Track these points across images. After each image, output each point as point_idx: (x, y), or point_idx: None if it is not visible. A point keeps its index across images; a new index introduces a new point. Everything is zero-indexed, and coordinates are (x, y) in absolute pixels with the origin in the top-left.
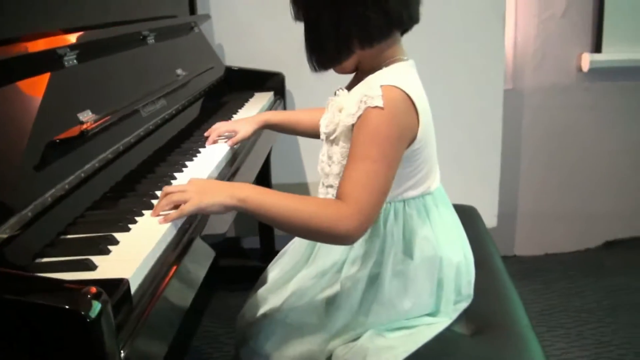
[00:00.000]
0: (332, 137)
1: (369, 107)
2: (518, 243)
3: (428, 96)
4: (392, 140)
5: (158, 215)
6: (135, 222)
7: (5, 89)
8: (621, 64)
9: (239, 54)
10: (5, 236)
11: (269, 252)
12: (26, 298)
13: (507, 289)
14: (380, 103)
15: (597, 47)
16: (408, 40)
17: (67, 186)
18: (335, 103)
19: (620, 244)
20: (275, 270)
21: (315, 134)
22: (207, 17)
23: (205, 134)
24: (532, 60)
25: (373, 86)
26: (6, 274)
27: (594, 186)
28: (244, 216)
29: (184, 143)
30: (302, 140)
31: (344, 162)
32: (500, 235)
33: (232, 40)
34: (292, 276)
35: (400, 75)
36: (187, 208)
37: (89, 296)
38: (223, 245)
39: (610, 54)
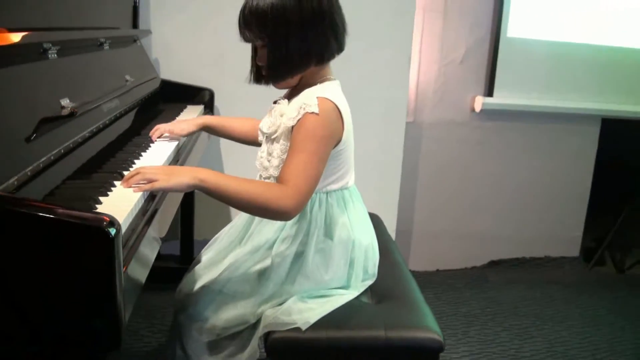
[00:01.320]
0: (273, 137)
1: (307, 112)
2: (412, 259)
3: None
4: (324, 139)
5: (129, 186)
6: (111, 190)
7: (4, 70)
8: (509, 107)
9: (172, 69)
10: (16, 184)
11: (188, 257)
12: (63, 218)
13: (404, 272)
14: (316, 110)
15: (489, 92)
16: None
17: (52, 157)
18: (277, 109)
19: (504, 263)
20: (210, 251)
21: (243, 139)
22: (149, 32)
23: (150, 133)
24: (432, 98)
25: (311, 97)
26: (40, 204)
27: (481, 211)
28: None
29: (135, 138)
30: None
31: (283, 156)
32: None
33: (167, 55)
34: (228, 254)
35: (332, 90)
36: (157, 185)
37: (108, 220)
38: None
39: (500, 98)
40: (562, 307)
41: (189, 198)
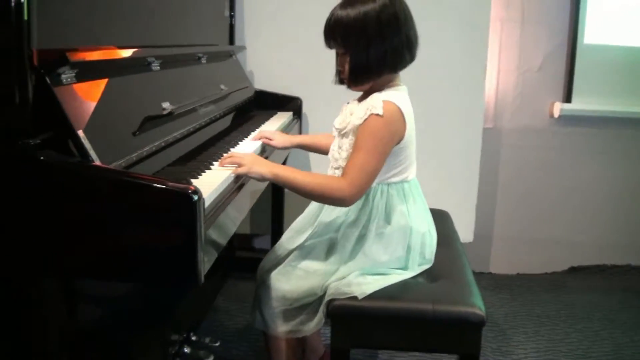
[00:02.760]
0: (343, 132)
1: (372, 113)
2: (493, 262)
3: (418, 125)
4: (385, 139)
5: (222, 166)
6: (201, 175)
7: (118, 79)
8: (588, 113)
9: (265, 80)
10: (123, 165)
11: None
12: (155, 184)
13: (461, 259)
14: (381, 112)
15: (567, 98)
16: (409, 79)
17: (154, 148)
18: (348, 109)
19: (584, 269)
20: (287, 234)
21: (326, 152)
22: (243, 48)
23: (253, 136)
24: (511, 105)
25: (377, 100)
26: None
27: (561, 216)
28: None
29: (227, 136)
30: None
31: (351, 150)
32: (477, 254)
33: (260, 67)
34: (301, 235)
35: (397, 95)
36: (240, 170)
37: (193, 189)
38: (239, 240)
39: (579, 104)
40: (637, 314)
41: (278, 196)
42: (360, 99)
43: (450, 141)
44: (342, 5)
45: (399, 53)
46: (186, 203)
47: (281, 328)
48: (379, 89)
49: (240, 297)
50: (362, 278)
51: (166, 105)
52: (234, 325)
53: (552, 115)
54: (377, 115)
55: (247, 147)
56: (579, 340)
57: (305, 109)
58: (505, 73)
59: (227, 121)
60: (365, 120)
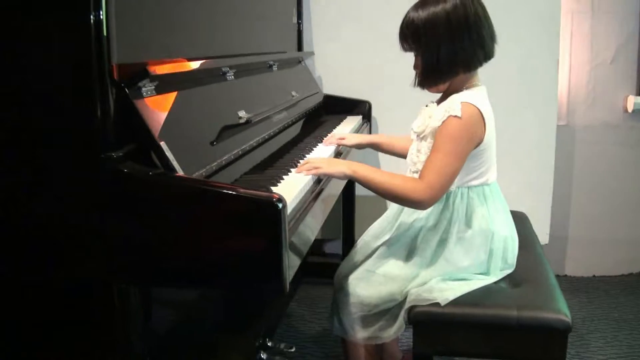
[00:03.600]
0: (421, 135)
1: (451, 115)
2: (568, 264)
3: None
4: (464, 141)
5: (300, 172)
6: (280, 182)
7: (194, 90)
8: None
9: (333, 84)
10: (204, 174)
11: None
12: (241, 193)
13: (542, 263)
14: (459, 114)
15: None
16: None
17: (232, 157)
18: (427, 111)
19: None
20: (364, 239)
21: (400, 155)
22: (311, 53)
23: (326, 140)
24: (584, 101)
25: (455, 102)
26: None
27: (638, 215)
28: (329, 221)
29: (301, 142)
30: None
31: (429, 153)
32: (552, 256)
33: (328, 72)
34: (379, 240)
35: (476, 96)
36: (320, 170)
37: (277, 197)
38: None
39: None
40: None
41: (349, 200)
42: (439, 101)
43: (524, 140)
44: (415, 7)
45: (471, 52)
46: (272, 211)
47: (360, 334)
48: (457, 89)
49: (314, 303)
50: (443, 284)
51: (242, 113)
52: (308, 330)
53: (626, 110)
54: (456, 117)
55: (321, 152)
56: None
57: (374, 112)
58: (577, 67)
59: (299, 127)
60: (443, 122)
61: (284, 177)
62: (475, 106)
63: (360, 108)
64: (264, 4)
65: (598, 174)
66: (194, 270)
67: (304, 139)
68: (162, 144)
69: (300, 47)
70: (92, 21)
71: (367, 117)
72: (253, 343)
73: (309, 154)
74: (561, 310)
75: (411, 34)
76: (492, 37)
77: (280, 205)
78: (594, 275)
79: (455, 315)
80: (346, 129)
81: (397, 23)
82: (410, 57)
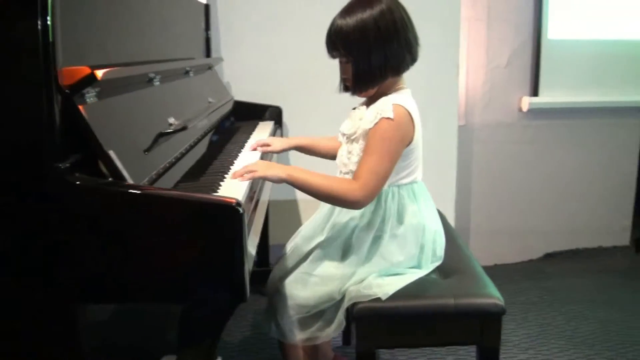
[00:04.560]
0: (352, 137)
1: (383, 117)
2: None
3: None
4: (396, 141)
5: (235, 178)
6: (219, 189)
7: (128, 96)
8: (554, 105)
9: (241, 90)
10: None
11: (264, 260)
12: (203, 199)
13: (466, 253)
14: (391, 115)
15: (534, 92)
16: None
17: (167, 164)
18: (356, 114)
19: (559, 255)
20: (295, 242)
21: (330, 156)
22: (221, 59)
23: (251, 146)
24: (481, 102)
25: (387, 104)
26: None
27: (534, 206)
28: None
29: (224, 149)
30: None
31: (361, 154)
32: None
33: (237, 78)
34: (312, 242)
35: (405, 98)
36: (257, 174)
37: (236, 201)
38: None
39: (546, 97)
40: (615, 292)
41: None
42: (367, 104)
43: (428, 140)
44: (341, 15)
45: (400, 56)
46: (234, 216)
47: (299, 336)
48: (385, 92)
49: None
50: (380, 279)
51: (172, 120)
52: (233, 340)
53: (521, 110)
54: (388, 118)
55: (247, 159)
56: (566, 321)
57: (285, 117)
58: (474, 71)
59: (217, 134)
60: (376, 124)
61: (221, 183)
62: (405, 108)
63: (270, 113)
64: (173, 12)
65: (495, 170)
66: (155, 285)
67: (226, 145)
68: (111, 152)
69: (208, 54)
70: (39, 27)
71: (278, 122)
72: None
73: (235, 159)
74: (494, 295)
75: (341, 41)
76: (416, 41)
77: (241, 209)
78: (495, 264)
79: (397, 308)
80: (263, 135)
81: (305, 30)
82: (319, 63)
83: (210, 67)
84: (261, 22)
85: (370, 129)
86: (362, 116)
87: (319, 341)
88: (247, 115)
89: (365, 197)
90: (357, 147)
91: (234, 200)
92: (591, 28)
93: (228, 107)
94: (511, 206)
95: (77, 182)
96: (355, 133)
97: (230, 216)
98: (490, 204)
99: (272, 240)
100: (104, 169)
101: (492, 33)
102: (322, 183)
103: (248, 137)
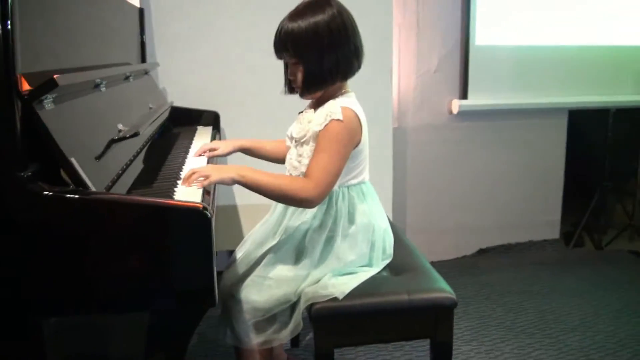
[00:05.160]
0: (302, 140)
1: (333, 119)
2: None
3: None
4: (346, 142)
5: (190, 185)
6: (174, 195)
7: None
8: (483, 107)
9: (177, 95)
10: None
11: None
12: (169, 205)
13: (413, 251)
14: (341, 117)
15: (463, 95)
16: None
17: (120, 171)
18: (305, 117)
19: (491, 250)
20: (245, 247)
21: (275, 158)
22: (157, 64)
23: (197, 152)
24: (412, 105)
25: (335, 106)
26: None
27: (467, 204)
28: None
29: (169, 154)
30: None
31: (312, 154)
32: None
33: (172, 83)
34: (264, 245)
35: (352, 102)
36: (212, 178)
37: (202, 206)
38: None
39: (474, 100)
40: (548, 283)
41: None
42: (315, 107)
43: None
44: (290, 18)
45: (349, 61)
46: (203, 220)
47: (256, 340)
48: (331, 96)
49: None
50: (335, 279)
51: (120, 126)
52: None
53: (451, 112)
54: (338, 120)
55: (195, 163)
56: (504, 313)
57: (222, 123)
58: (406, 76)
59: (161, 139)
60: (325, 125)
61: (175, 189)
62: (353, 110)
63: (207, 119)
64: (109, 15)
65: (428, 170)
66: (123, 293)
67: (170, 150)
68: (73, 160)
69: (144, 59)
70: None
71: (216, 127)
72: None
73: (183, 165)
74: (445, 289)
75: (292, 43)
76: (362, 48)
77: (208, 213)
78: (432, 261)
79: (354, 306)
80: (205, 140)
81: (239, 34)
82: (253, 68)
83: (146, 72)
84: (195, 26)
85: (320, 130)
86: (311, 119)
87: (276, 344)
88: (184, 120)
89: (319, 194)
90: (307, 150)
91: (201, 205)
92: (516, 34)
93: (167, 112)
94: (444, 204)
95: (44, 192)
96: (305, 136)
97: (199, 221)
98: (424, 202)
99: (217, 247)
100: (65, 177)
101: (422, 40)
102: (275, 182)
103: (190, 142)
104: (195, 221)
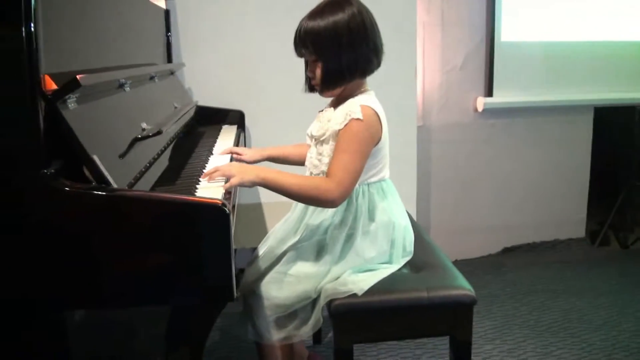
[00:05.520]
0: (322, 139)
1: (353, 118)
2: None
3: None
4: (366, 140)
5: (210, 181)
6: (196, 192)
7: (104, 101)
8: (508, 105)
9: (203, 94)
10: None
11: None
12: (188, 201)
13: (434, 248)
14: (360, 116)
15: (489, 92)
16: None
17: (143, 169)
18: (324, 116)
19: (517, 249)
20: (267, 244)
21: (297, 162)
22: (182, 65)
23: (223, 151)
24: (437, 103)
25: (355, 105)
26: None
27: (491, 202)
28: None
29: (193, 153)
30: None
31: (333, 154)
32: None
33: (198, 83)
34: (286, 243)
35: (372, 100)
36: (234, 181)
37: (222, 202)
38: None
39: (500, 97)
40: (573, 282)
41: None
42: (334, 106)
43: (390, 141)
44: (310, 16)
45: (368, 59)
46: (222, 216)
47: (276, 336)
48: (351, 94)
49: None
50: (354, 276)
51: (144, 125)
52: None
53: (476, 110)
54: (358, 119)
55: (218, 162)
56: (528, 312)
57: (247, 121)
58: (430, 73)
59: (186, 138)
60: (346, 124)
61: (197, 186)
62: (372, 108)
63: (232, 118)
64: (136, 17)
65: (453, 168)
66: (147, 288)
67: (194, 149)
68: (95, 157)
69: (169, 59)
70: (23, 32)
71: (241, 126)
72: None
73: (207, 163)
74: (465, 286)
75: (312, 41)
76: (382, 46)
77: (227, 209)
78: (456, 260)
79: (373, 302)
80: (229, 138)
81: (262, 34)
82: (278, 67)
83: (172, 73)
84: (219, 26)
85: (340, 129)
86: (331, 118)
87: (296, 339)
88: (209, 119)
89: (341, 194)
90: (327, 148)
91: (220, 202)
92: (541, 30)
93: (192, 111)
94: (469, 203)
95: (66, 188)
96: (324, 135)
97: (217, 216)
98: (449, 201)
99: (237, 244)
100: (88, 174)
101: (446, 37)
102: (297, 183)
103: (215, 141)
104: (214, 217)
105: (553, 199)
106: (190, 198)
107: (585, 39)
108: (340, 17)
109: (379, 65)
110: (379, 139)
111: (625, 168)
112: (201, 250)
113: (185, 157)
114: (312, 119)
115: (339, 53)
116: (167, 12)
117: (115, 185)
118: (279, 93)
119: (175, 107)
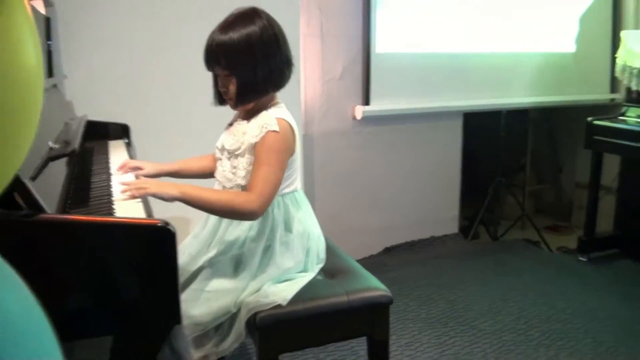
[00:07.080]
0: (237, 152)
1: (269, 130)
2: None
3: None
4: (283, 152)
5: (127, 191)
6: (114, 212)
7: None
8: (385, 112)
9: (85, 107)
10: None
11: None
12: (133, 222)
13: (342, 254)
14: (277, 128)
15: (366, 101)
16: None
17: (58, 190)
18: (239, 129)
19: (396, 248)
20: (180, 259)
21: (202, 174)
22: (64, 76)
23: (119, 166)
24: (318, 112)
25: (271, 118)
26: (110, 219)
27: (372, 205)
28: None
29: (90, 171)
30: None
31: (249, 168)
32: None
33: (79, 96)
34: (200, 259)
35: (285, 112)
36: (149, 190)
37: (167, 223)
38: None
39: (376, 106)
40: (453, 274)
41: None
42: (247, 119)
43: None
44: (221, 29)
45: (281, 71)
46: (167, 237)
47: (197, 355)
48: (264, 107)
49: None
50: (274, 287)
51: (51, 143)
52: None
53: (354, 118)
54: (274, 131)
55: (122, 180)
56: (417, 306)
57: (133, 136)
58: (311, 84)
59: (78, 155)
60: (262, 137)
61: (113, 206)
62: (287, 121)
63: (116, 132)
64: None
65: (335, 174)
66: (88, 316)
67: (90, 167)
68: (26, 181)
69: (51, 70)
70: None
71: (127, 140)
72: None
73: (110, 182)
74: (380, 287)
75: (224, 55)
76: (291, 61)
77: (172, 229)
78: None
79: (298, 311)
80: (120, 154)
81: (144, 47)
82: (170, 79)
83: (54, 85)
84: (103, 36)
85: (257, 142)
86: (245, 130)
87: (218, 356)
88: (92, 134)
89: (262, 206)
90: (243, 162)
91: (165, 222)
92: (413, 42)
93: (83, 127)
94: (351, 206)
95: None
96: (240, 148)
97: (164, 237)
98: (331, 205)
99: None
100: (19, 200)
101: (326, 48)
102: (218, 197)
103: (107, 158)
104: (160, 237)
105: (428, 198)
106: (133, 220)
107: (454, 50)
108: (252, 29)
109: (289, 76)
110: (293, 151)
111: (492, 167)
112: (147, 272)
113: (86, 175)
114: (204, 129)
115: (254, 67)
116: (47, 20)
117: (48, 211)
118: (166, 104)
119: (67, 123)
